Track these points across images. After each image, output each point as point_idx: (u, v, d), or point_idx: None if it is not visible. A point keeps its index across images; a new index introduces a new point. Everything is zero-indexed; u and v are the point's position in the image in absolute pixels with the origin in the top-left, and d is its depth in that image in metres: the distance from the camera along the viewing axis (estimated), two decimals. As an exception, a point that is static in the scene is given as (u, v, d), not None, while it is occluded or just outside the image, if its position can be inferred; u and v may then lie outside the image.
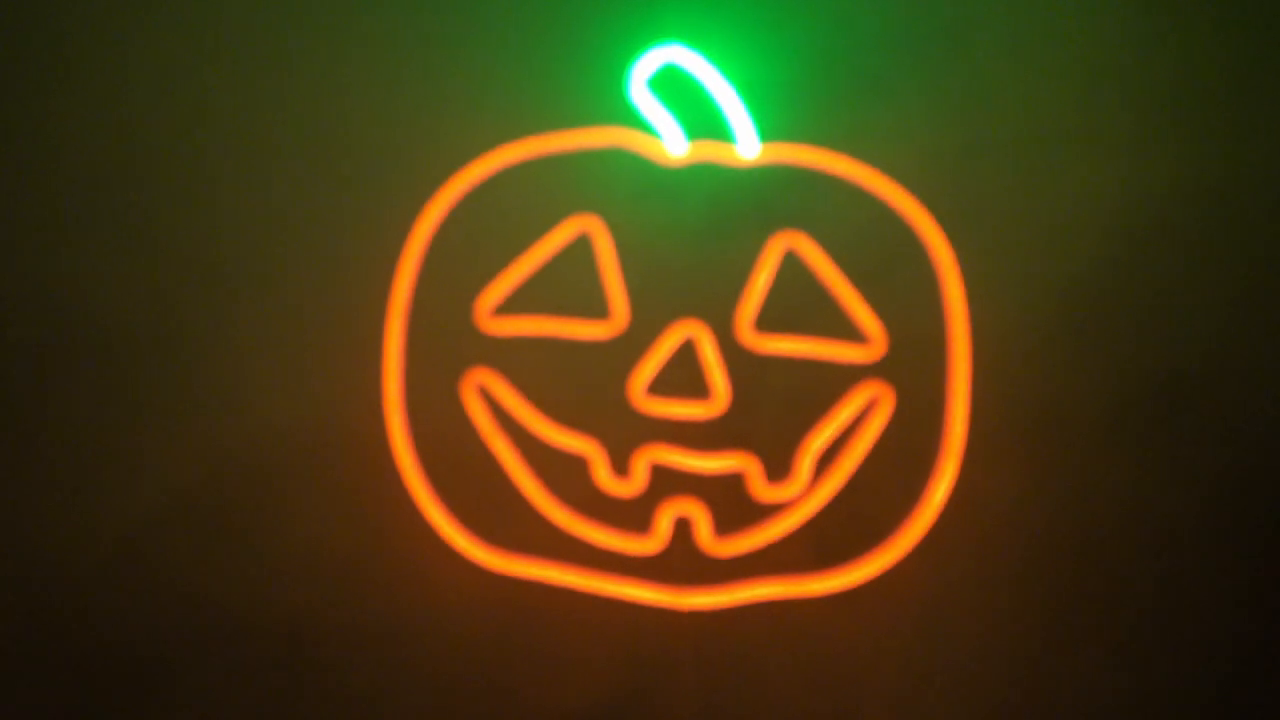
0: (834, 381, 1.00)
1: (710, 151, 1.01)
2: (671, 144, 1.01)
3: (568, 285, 1.00)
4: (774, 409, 1.00)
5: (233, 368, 1.03)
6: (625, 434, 0.99)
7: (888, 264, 1.00)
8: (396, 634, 1.03)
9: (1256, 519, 1.04)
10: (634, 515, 0.99)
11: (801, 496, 0.99)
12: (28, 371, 1.03)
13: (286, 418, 1.02)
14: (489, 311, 1.00)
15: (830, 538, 1.00)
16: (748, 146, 1.01)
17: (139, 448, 1.03)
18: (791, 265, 1.00)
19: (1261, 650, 1.03)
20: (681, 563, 0.99)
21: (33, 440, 1.03)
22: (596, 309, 1.00)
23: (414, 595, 1.03)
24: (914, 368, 1.00)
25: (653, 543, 0.99)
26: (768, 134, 1.01)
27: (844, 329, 1.00)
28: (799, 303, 1.00)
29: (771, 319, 1.00)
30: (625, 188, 0.99)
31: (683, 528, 0.99)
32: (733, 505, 0.99)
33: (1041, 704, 1.04)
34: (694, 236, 0.99)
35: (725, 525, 0.99)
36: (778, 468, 1.00)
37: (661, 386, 0.99)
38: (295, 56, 1.03)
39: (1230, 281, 1.03)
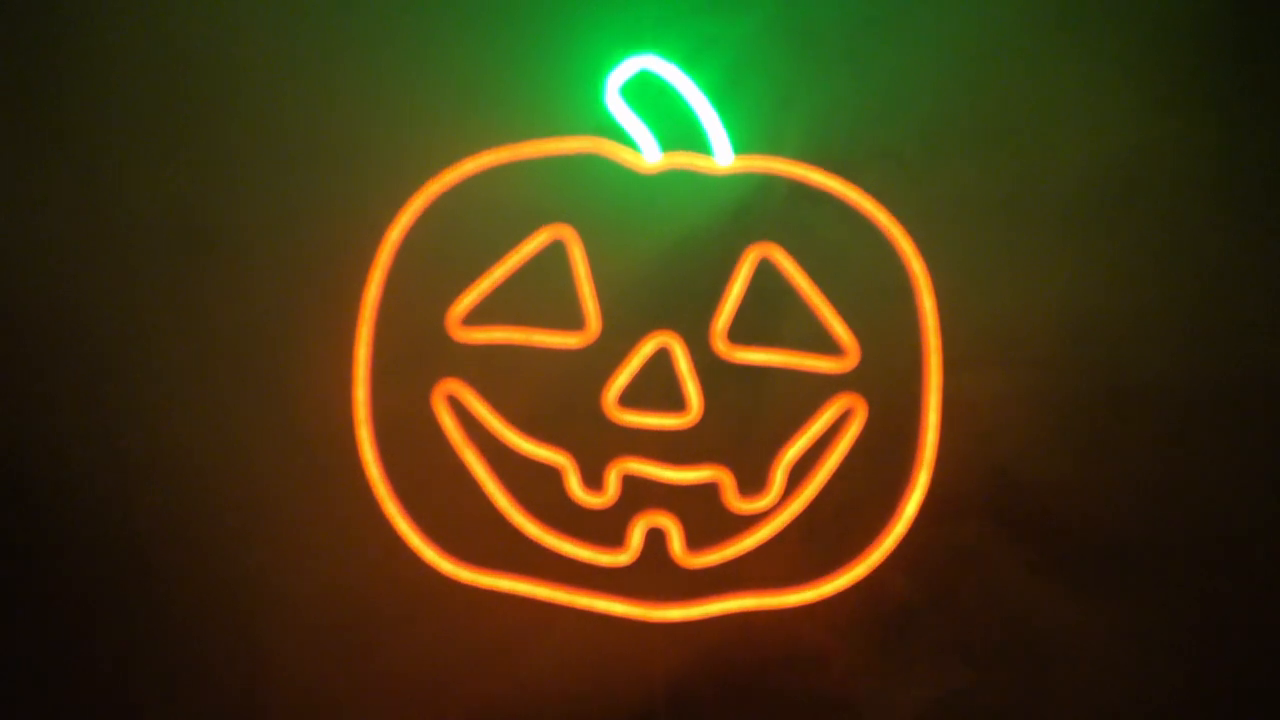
0: (807, 393, 1.00)
1: (685, 161, 1.00)
2: (646, 153, 1.01)
3: (541, 294, 0.99)
4: (747, 420, 0.99)
5: (199, 376, 1.01)
6: (598, 445, 0.98)
7: (861, 275, 1.00)
8: (366, 643, 1.02)
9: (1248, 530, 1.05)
10: (606, 527, 0.98)
11: (774, 508, 0.99)
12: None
13: (253, 426, 1.01)
14: (460, 320, 0.99)
15: (803, 549, 1.00)
16: (722, 157, 1.01)
17: (107, 459, 1.01)
18: (765, 276, 1.00)
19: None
20: (654, 575, 0.99)
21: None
22: (570, 318, 0.99)
23: (384, 606, 1.02)
24: (887, 379, 1.00)
25: (625, 555, 0.98)
26: (741, 146, 1.01)
27: (818, 340, 1.00)
28: (773, 314, 1.00)
29: (745, 330, 0.99)
30: (599, 197, 0.98)
31: (655, 540, 0.98)
32: (706, 517, 0.99)
33: (1016, 713, 1.05)
34: (669, 247, 0.99)
35: (698, 537, 0.99)
36: (751, 479, 0.99)
37: (634, 397, 0.98)
38: (262, 63, 1.01)
39: (1209, 290, 1.05)
